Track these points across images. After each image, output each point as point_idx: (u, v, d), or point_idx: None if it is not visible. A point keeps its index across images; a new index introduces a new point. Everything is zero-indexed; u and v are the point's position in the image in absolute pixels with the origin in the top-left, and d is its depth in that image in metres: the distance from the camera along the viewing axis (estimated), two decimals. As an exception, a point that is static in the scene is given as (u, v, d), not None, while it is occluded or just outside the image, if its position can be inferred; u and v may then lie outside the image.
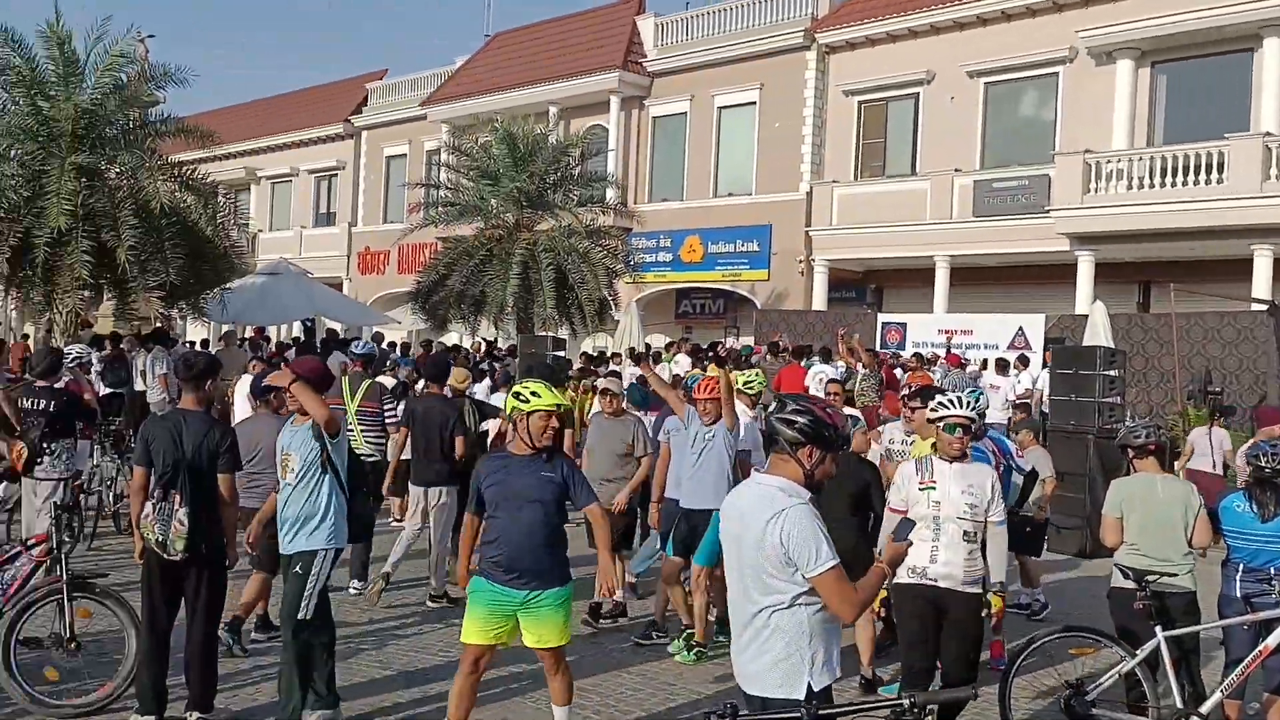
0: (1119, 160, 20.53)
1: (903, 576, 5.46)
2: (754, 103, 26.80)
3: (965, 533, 5.44)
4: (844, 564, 3.50)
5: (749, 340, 23.76)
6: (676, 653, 7.50)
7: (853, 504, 6.90)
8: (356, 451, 9.03)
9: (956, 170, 23.11)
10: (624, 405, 8.83)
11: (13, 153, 16.09)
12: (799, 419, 3.64)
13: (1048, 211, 21.12)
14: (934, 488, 5.50)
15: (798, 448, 3.63)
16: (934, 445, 5.79)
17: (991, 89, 23.48)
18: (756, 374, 9.12)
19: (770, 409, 3.82)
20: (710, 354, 18.77)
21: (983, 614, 5.51)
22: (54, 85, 16.21)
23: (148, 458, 5.86)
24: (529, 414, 5.26)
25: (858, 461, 7.15)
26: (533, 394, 5.28)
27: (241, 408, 12.02)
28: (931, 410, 5.64)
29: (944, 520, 5.45)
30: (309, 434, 5.88)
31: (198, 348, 20.63)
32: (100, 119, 16.29)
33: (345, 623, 7.98)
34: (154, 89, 17.39)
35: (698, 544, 7.47)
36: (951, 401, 5.56)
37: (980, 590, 5.49)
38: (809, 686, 3.51)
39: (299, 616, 5.78)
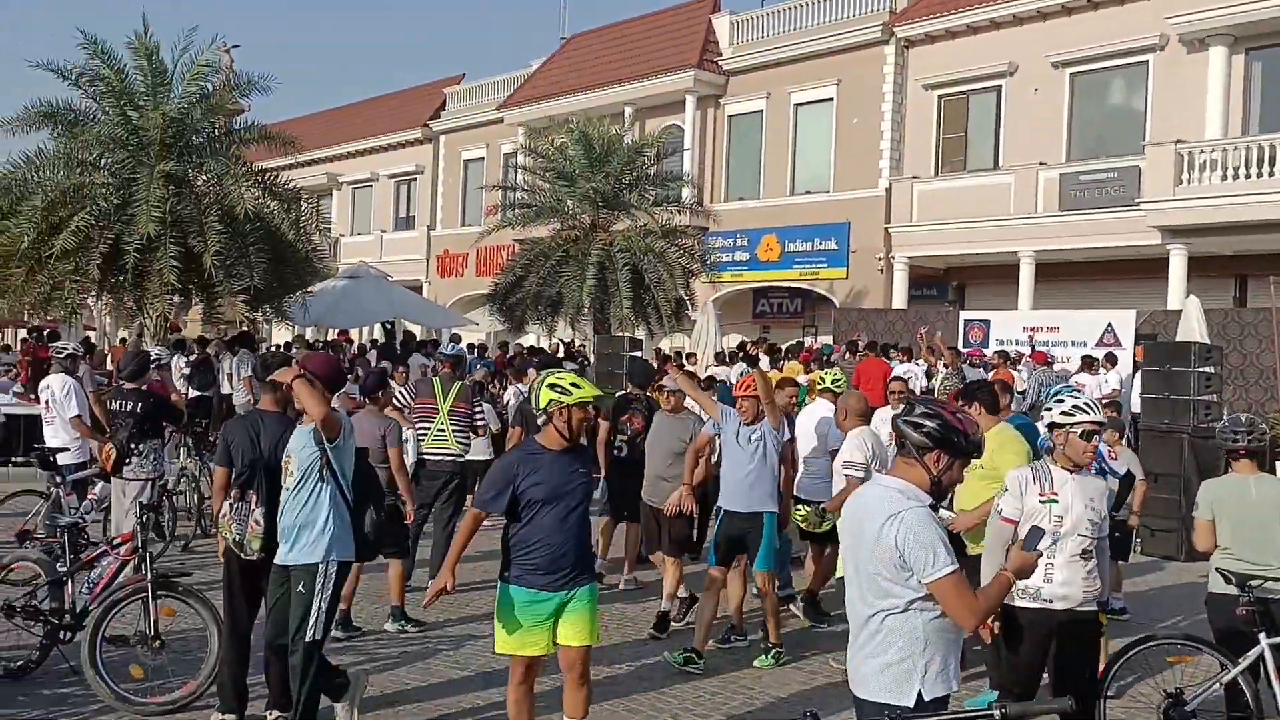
0: (1212, 150, 19.83)
1: (1014, 598, 4.90)
2: (831, 99, 26.47)
3: (1084, 550, 4.95)
4: None
5: (828, 339, 23.48)
6: (762, 664, 7.33)
7: None
8: (444, 453, 9.14)
9: (1041, 163, 22.53)
10: (684, 403, 8.72)
11: (103, 161, 16.55)
12: (927, 423, 3.50)
13: (1138, 204, 20.48)
14: (1055, 500, 4.94)
15: (924, 452, 3.51)
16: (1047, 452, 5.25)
17: (1077, 79, 22.86)
18: (838, 371, 9.17)
19: (898, 411, 3.72)
20: (747, 352, 18.61)
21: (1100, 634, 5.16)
22: (142, 95, 16.63)
23: (228, 458, 5.92)
24: (570, 406, 5.07)
25: None
26: (573, 385, 5.09)
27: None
28: (1064, 414, 4.97)
29: (1064, 536, 4.91)
30: (310, 436, 5.46)
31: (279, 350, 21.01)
32: (187, 127, 16.67)
33: (422, 623, 8.04)
34: (238, 97, 17.75)
35: (744, 549, 7.35)
36: (1086, 405, 4.99)
37: (1096, 609, 5.08)
38: (919, 695, 3.40)
39: (308, 638, 5.37)
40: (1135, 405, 15.21)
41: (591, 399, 5.15)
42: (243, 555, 5.73)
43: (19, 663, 6.50)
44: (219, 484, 5.98)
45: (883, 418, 8.64)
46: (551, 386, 5.07)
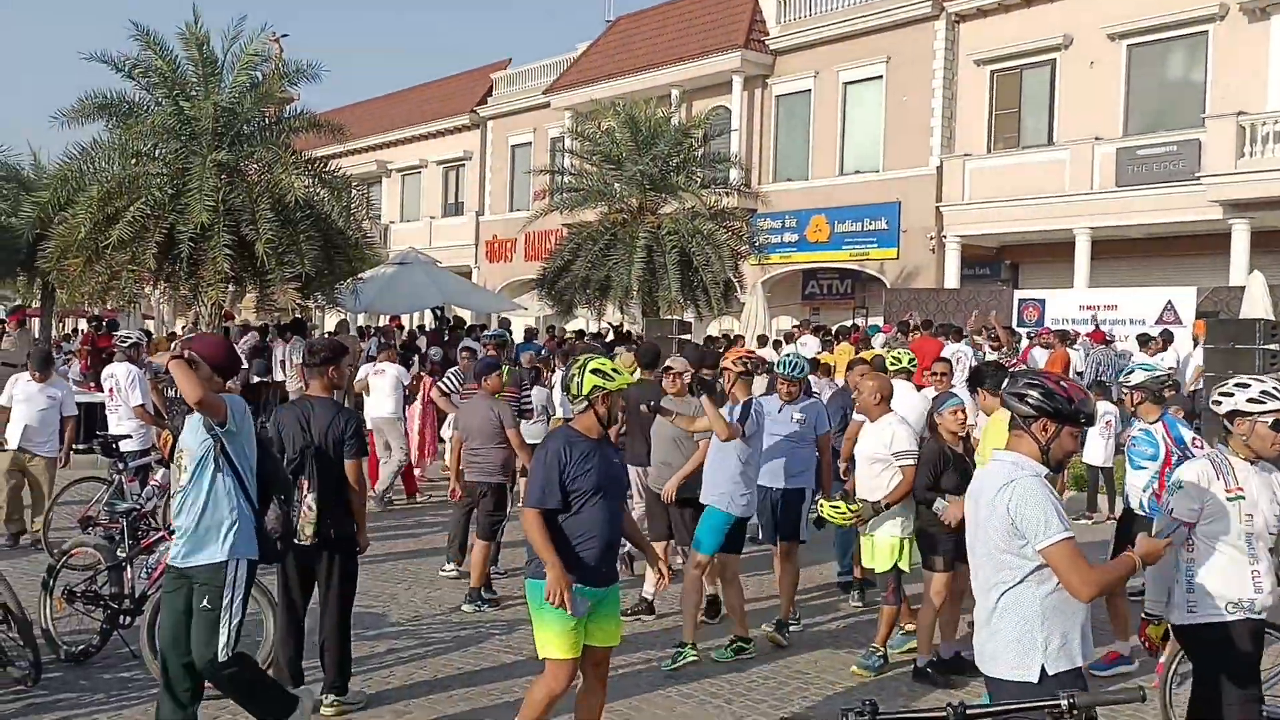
0: (1275, 122, 19.31)
1: (1225, 613, 4.38)
2: (880, 76, 26.13)
3: (1271, 549, 4.53)
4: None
5: (878, 320, 23.24)
6: (721, 656, 7.01)
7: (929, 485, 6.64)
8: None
9: (1097, 138, 22.07)
10: (688, 385, 8.37)
11: (157, 152, 16.74)
12: (1031, 393, 3.57)
13: (1198, 178, 20.00)
14: (1242, 496, 4.43)
15: (1031, 422, 3.57)
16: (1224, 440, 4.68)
17: (1134, 51, 22.33)
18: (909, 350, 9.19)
19: (1004, 385, 3.80)
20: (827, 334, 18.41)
21: None
22: (194, 85, 16.78)
23: (280, 445, 5.95)
24: (611, 393, 4.92)
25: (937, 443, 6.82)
26: (614, 371, 4.94)
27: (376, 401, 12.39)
28: (1251, 401, 4.40)
29: (1257, 536, 4.44)
30: (199, 424, 4.91)
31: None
32: (238, 117, 16.80)
33: (498, 602, 8.16)
34: (287, 86, 17.85)
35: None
36: (1275, 390, 4.46)
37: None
38: (1042, 669, 3.44)
39: (220, 658, 4.87)
40: (1189, 383, 14.92)
41: (626, 385, 5.04)
42: (296, 541, 5.76)
43: (80, 647, 6.62)
44: (272, 471, 5.99)
45: (925, 398, 8.38)
46: (596, 372, 4.89)
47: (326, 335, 22.47)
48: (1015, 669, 3.48)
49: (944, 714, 2.68)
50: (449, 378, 11.45)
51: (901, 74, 25.57)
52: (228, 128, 16.64)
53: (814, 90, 27.51)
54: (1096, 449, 11.67)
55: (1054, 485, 3.61)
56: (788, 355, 8.59)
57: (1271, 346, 12.41)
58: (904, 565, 6.87)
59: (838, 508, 6.90)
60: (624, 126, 22.19)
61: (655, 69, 29.66)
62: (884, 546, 6.85)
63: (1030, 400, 3.54)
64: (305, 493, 5.71)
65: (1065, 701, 2.59)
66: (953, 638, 6.82)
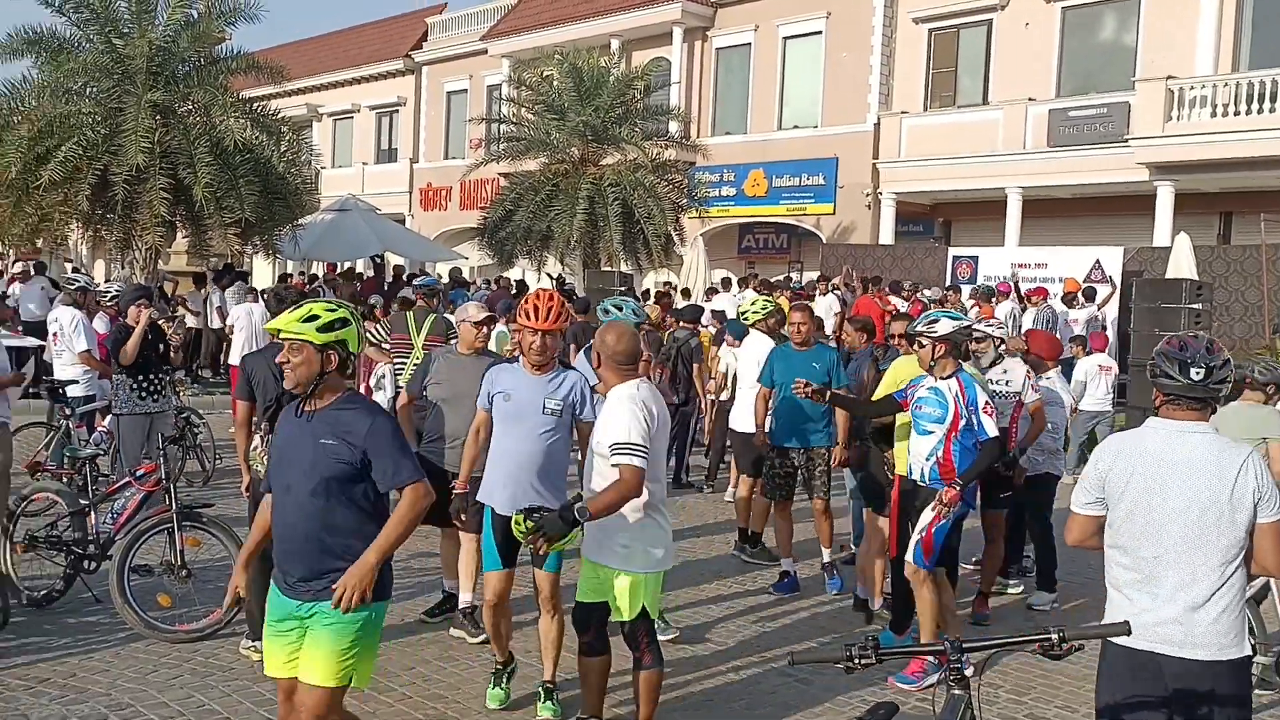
0: (1203, 86, 19.86)
1: None
2: (820, 32, 26.23)
3: None
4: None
5: (813, 275, 23.54)
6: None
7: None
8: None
9: (1031, 99, 22.51)
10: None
11: (89, 90, 16.26)
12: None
13: (1127, 141, 20.54)
14: None
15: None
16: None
17: (1069, 13, 22.75)
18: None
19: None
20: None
21: None
22: (127, 22, 16.31)
23: (250, 392, 5.94)
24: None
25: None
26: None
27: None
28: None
29: None
30: None
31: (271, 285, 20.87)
32: (173, 56, 16.38)
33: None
34: (223, 25, 17.41)
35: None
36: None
37: None
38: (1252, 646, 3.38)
39: None
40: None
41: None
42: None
43: (43, 592, 6.59)
44: (242, 418, 5.96)
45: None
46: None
47: (282, 280, 22.09)
48: (1239, 648, 3.30)
49: (942, 648, 2.88)
50: (377, 328, 11.10)
51: (841, 30, 25.71)
52: (163, 67, 16.25)
53: (754, 44, 27.54)
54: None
55: None
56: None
57: (1195, 306, 12.94)
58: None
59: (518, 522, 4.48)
60: (566, 76, 22.06)
61: (594, 18, 29.38)
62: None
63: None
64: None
65: (1056, 635, 2.76)
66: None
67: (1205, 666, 3.24)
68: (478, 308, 6.57)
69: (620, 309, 6.83)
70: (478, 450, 5.44)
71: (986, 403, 5.83)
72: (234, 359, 13.93)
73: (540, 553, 4.47)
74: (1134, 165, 20.48)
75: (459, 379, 6.07)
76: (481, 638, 6.03)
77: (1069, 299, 16.31)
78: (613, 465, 4.36)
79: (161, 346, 8.64)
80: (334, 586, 3.64)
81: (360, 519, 3.78)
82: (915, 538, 5.86)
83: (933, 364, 5.90)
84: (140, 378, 8.36)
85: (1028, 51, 22.95)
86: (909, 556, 5.90)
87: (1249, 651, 3.31)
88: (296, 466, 3.77)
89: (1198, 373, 3.32)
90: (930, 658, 5.04)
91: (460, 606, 6.41)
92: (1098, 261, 18.18)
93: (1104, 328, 15.80)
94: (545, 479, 5.13)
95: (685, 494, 10.89)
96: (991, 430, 5.76)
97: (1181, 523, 3.28)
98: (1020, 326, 14.51)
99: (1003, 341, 7.51)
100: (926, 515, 5.80)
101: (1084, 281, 17.51)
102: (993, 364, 7.26)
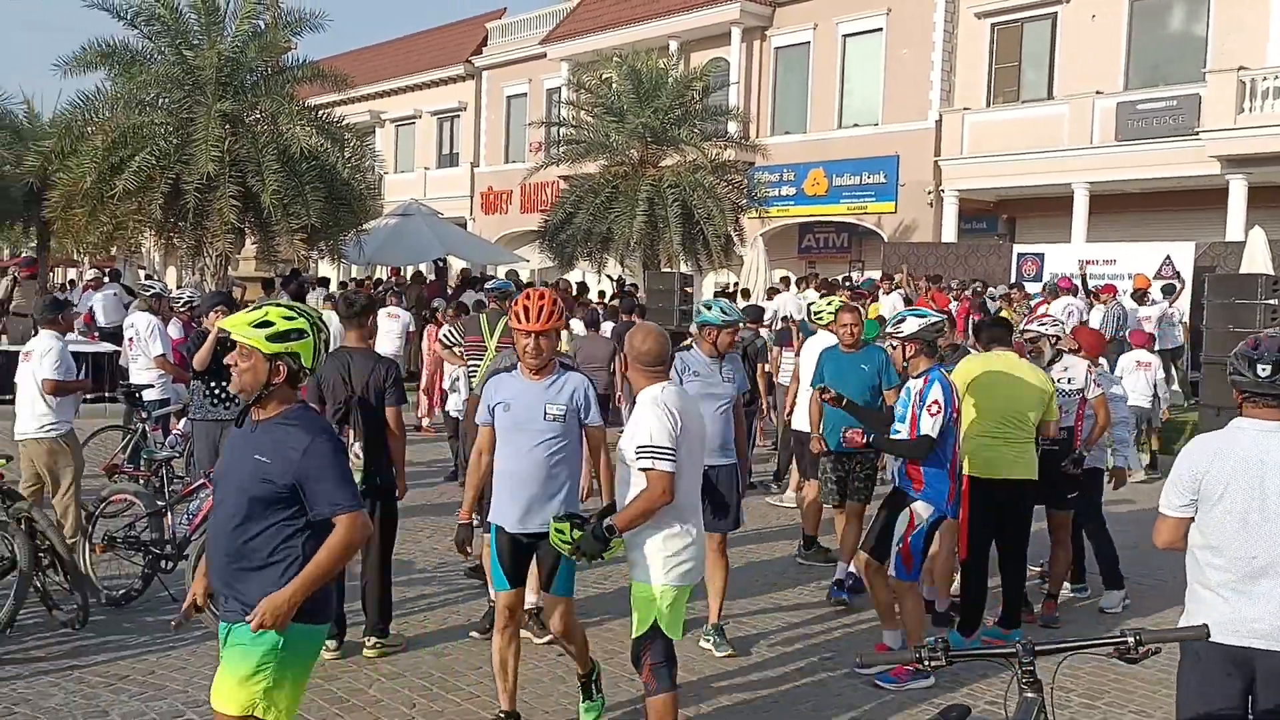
0: (1276, 77, 19.37)
1: None
2: (880, 29, 26.01)
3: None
4: None
5: (874, 274, 23.35)
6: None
7: None
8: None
9: (1098, 93, 22.10)
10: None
11: (161, 101, 16.67)
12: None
13: (1197, 133, 20.08)
14: None
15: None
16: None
17: (1136, 4, 22.30)
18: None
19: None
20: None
21: None
22: (196, 34, 16.69)
23: (320, 396, 6.05)
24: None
25: None
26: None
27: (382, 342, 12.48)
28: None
29: None
30: None
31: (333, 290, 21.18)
32: (241, 66, 16.73)
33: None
34: (290, 35, 17.75)
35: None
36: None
37: None
38: None
39: None
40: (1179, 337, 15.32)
41: None
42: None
43: (121, 591, 6.76)
44: (314, 421, 6.08)
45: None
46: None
47: (347, 285, 22.45)
48: None
49: (1013, 650, 2.85)
50: (450, 331, 11.22)
51: (901, 27, 25.47)
52: (231, 77, 16.59)
53: (813, 42, 27.38)
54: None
55: None
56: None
57: (1272, 301, 12.59)
58: None
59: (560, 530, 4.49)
60: (625, 78, 22.11)
61: (652, 20, 29.43)
62: None
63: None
64: (351, 441, 5.83)
65: (1133, 638, 2.72)
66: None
67: None
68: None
69: (710, 309, 6.85)
70: (481, 475, 5.03)
71: (934, 402, 5.67)
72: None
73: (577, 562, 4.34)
74: (1205, 158, 20.02)
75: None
76: (547, 638, 6.07)
77: (1139, 295, 15.99)
78: (640, 470, 4.22)
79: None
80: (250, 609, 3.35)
81: (281, 544, 3.43)
82: (894, 549, 5.85)
83: (905, 364, 5.90)
84: (213, 384, 8.52)
85: (1094, 44, 22.55)
86: (890, 570, 5.90)
87: None
88: (232, 480, 3.52)
89: (1264, 369, 3.30)
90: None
91: (525, 607, 6.47)
92: (1168, 257, 17.82)
93: (1177, 324, 15.52)
94: (556, 491, 4.80)
95: (749, 495, 10.84)
96: (924, 428, 5.67)
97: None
98: (1086, 324, 14.26)
99: (1058, 339, 7.39)
100: (900, 526, 5.82)
101: (1154, 278, 17.18)
102: (1051, 362, 7.16)
